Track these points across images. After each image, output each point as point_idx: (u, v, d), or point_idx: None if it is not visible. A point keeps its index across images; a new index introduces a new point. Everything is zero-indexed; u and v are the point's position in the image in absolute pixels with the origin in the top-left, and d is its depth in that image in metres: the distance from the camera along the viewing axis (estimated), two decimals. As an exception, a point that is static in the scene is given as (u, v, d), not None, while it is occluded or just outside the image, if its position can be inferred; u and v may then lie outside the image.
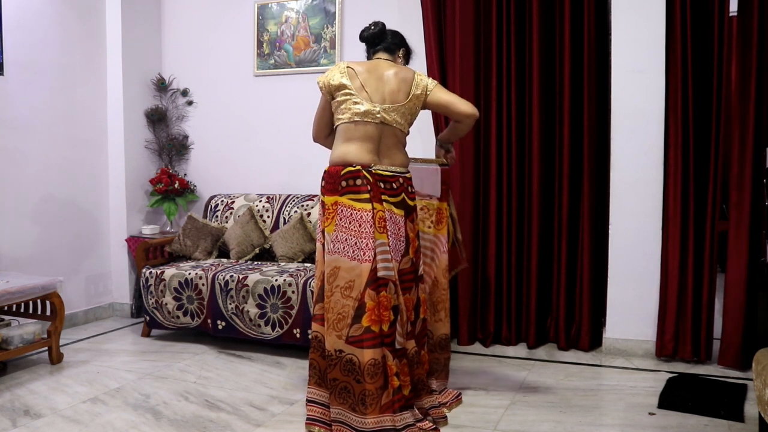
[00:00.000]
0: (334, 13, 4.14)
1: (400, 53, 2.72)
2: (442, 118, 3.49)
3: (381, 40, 2.68)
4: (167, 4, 4.62)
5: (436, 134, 3.60)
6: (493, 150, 3.58)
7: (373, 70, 2.56)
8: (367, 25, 2.69)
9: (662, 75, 3.23)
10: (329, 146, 2.71)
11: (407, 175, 2.59)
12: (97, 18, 4.29)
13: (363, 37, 2.69)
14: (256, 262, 3.90)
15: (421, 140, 3.64)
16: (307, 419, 2.51)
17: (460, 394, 2.79)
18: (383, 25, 2.69)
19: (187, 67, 4.58)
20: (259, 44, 4.37)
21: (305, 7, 4.24)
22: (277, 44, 4.32)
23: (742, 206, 3.13)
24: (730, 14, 3.19)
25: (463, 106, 2.55)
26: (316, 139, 2.77)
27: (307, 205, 4.01)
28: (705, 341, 3.22)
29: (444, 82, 3.61)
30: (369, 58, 2.72)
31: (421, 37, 3.62)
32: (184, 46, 4.59)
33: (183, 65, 4.59)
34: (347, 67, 2.56)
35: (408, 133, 2.63)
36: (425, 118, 3.42)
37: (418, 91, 2.54)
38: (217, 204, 4.31)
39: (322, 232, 2.52)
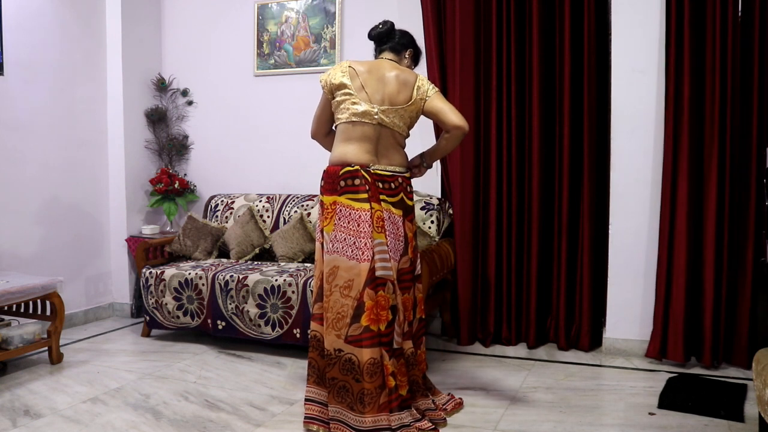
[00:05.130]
0: (334, 13, 4.14)
1: (407, 54, 2.69)
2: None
3: (388, 39, 2.66)
4: (167, 4, 4.62)
5: (437, 138, 3.59)
6: (493, 150, 3.58)
7: (374, 70, 2.55)
8: (376, 24, 2.67)
9: (662, 75, 3.23)
10: (326, 146, 2.71)
11: (406, 174, 2.59)
12: (97, 18, 4.29)
13: (371, 35, 2.68)
14: (256, 262, 3.90)
15: (422, 143, 3.63)
16: (305, 417, 2.51)
17: (461, 400, 2.73)
18: (392, 24, 2.67)
19: (187, 67, 4.58)
20: (259, 44, 4.37)
21: (305, 7, 4.24)
22: (277, 44, 4.32)
23: (743, 206, 3.13)
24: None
25: (453, 116, 2.48)
26: (313, 137, 2.76)
27: (307, 205, 4.01)
28: (706, 341, 3.21)
29: (444, 83, 3.61)
30: (376, 57, 2.70)
31: (421, 37, 3.62)
32: (184, 46, 4.59)
33: (183, 65, 4.59)
34: (349, 66, 2.55)
35: (407, 136, 2.62)
36: (426, 122, 3.42)
37: (418, 96, 2.52)
38: (217, 204, 4.31)
39: (321, 231, 2.52)
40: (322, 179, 2.56)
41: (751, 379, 2.91)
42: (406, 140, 2.63)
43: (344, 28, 4.13)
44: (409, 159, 2.68)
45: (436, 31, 3.59)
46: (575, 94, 3.47)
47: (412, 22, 3.68)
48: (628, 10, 3.28)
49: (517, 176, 3.57)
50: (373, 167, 2.49)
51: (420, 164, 2.71)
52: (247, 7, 4.39)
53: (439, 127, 3.52)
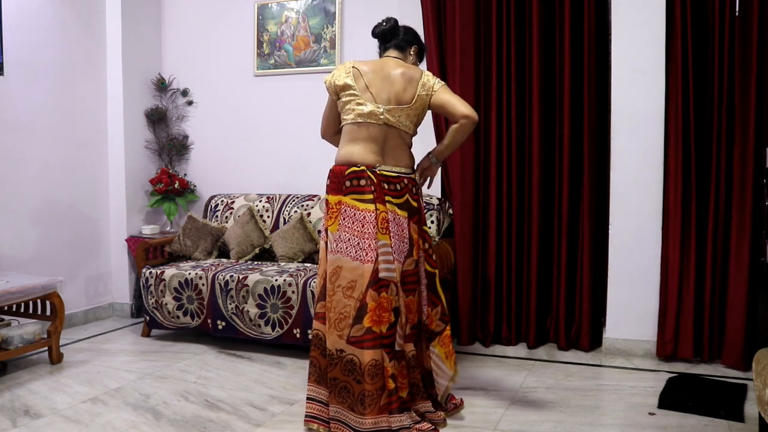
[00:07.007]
0: (334, 13, 4.14)
1: (412, 51, 2.68)
2: (442, 122, 3.49)
3: (392, 37, 2.65)
4: (167, 4, 4.62)
5: (437, 139, 3.60)
6: (493, 150, 3.58)
7: (378, 69, 2.54)
8: (380, 21, 2.66)
9: (662, 75, 3.23)
10: (336, 144, 2.70)
11: (412, 176, 2.57)
12: (97, 18, 4.29)
13: (375, 33, 2.67)
14: (256, 262, 3.90)
15: (422, 144, 3.64)
16: (306, 416, 2.51)
17: (461, 400, 2.71)
18: (395, 21, 2.66)
19: (187, 67, 4.58)
20: (259, 44, 4.37)
21: (305, 7, 4.24)
22: (277, 44, 4.32)
23: (742, 206, 3.13)
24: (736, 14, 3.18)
25: (461, 106, 2.47)
26: (323, 136, 2.77)
27: (307, 205, 4.01)
28: (705, 341, 3.21)
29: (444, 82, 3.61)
30: (380, 55, 2.69)
31: (422, 37, 3.61)
32: (184, 46, 4.59)
33: (183, 65, 4.59)
34: (353, 66, 2.55)
35: (415, 134, 2.60)
36: (426, 122, 3.42)
37: (424, 92, 2.50)
38: (217, 204, 4.31)
39: (326, 231, 2.52)
40: (328, 178, 2.56)
41: (751, 379, 2.91)
42: (411, 140, 2.62)
43: (344, 28, 4.13)
44: (416, 160, 2.66)
45: (436, 31, 3.59)
46: (575, 94, 3.47)
47: (412, 21, 3.65)
48: (628, 10, 3.28)
49: (517, 176, 3.57)
50: (379, 168, 2.48)
51: (430, 164, 2.65)
52: (247, 7, 4.39)
53: (440, 128, 3.55)
